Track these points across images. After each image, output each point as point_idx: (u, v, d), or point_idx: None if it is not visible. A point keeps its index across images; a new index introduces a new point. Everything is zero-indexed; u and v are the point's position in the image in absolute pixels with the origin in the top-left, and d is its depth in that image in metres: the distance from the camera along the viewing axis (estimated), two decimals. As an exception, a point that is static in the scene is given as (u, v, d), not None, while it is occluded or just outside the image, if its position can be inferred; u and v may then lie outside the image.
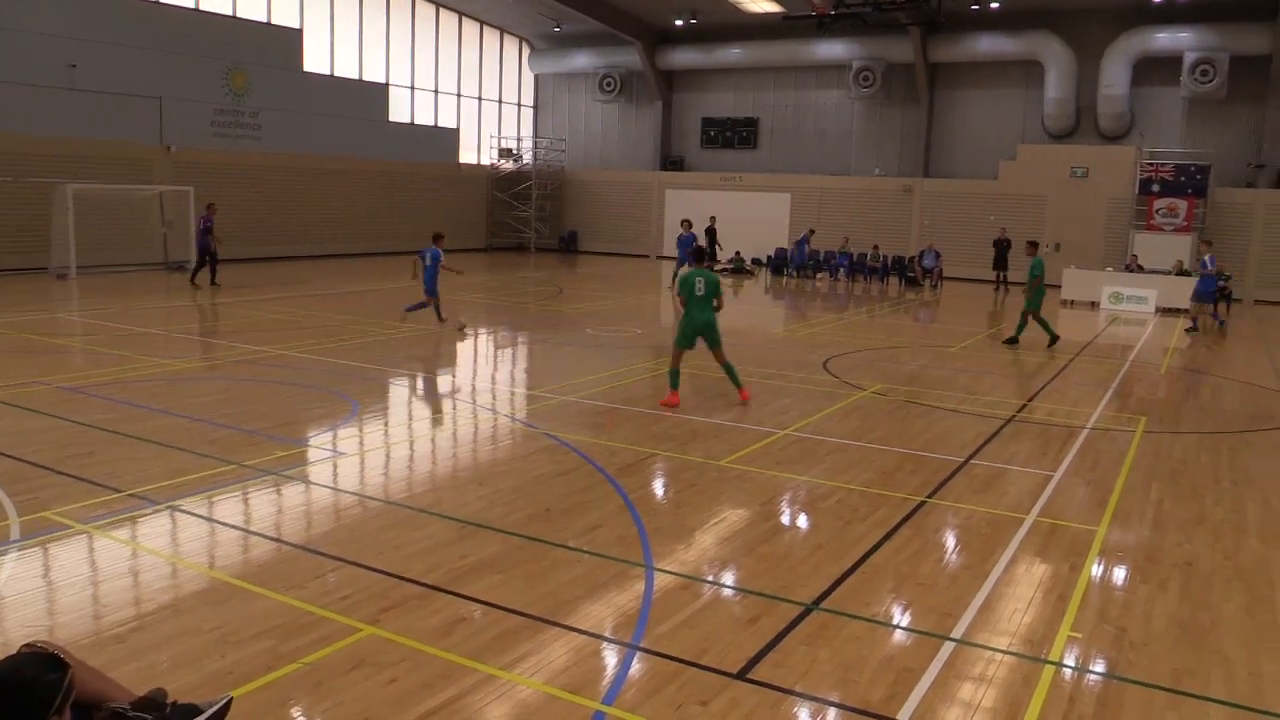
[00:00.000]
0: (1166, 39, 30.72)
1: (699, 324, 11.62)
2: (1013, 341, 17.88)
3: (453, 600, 5.86)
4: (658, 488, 8.50)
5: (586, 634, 5.49)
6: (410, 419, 11.09)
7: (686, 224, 27.14)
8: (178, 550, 6.58)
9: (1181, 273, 26.78)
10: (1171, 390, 14.52)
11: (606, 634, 5.51)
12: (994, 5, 31.32)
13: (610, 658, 5.27)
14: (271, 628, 5.40)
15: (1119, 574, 6.84)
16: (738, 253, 34.48)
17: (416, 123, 37.49)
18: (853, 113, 36.61)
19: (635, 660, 5.22)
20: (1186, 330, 21.70)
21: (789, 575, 6.47)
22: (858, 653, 5.39)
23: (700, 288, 11.51)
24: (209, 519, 7.18)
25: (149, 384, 11.77)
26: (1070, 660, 5.46)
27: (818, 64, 36.39)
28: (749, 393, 12.05)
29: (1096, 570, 6.85)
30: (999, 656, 5.44)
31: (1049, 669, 5.32)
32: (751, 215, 36.76)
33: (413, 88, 37.58)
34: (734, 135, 38.78)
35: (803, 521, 7.68)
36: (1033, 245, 18.54)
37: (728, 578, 6.47)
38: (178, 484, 7.87)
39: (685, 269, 12.81)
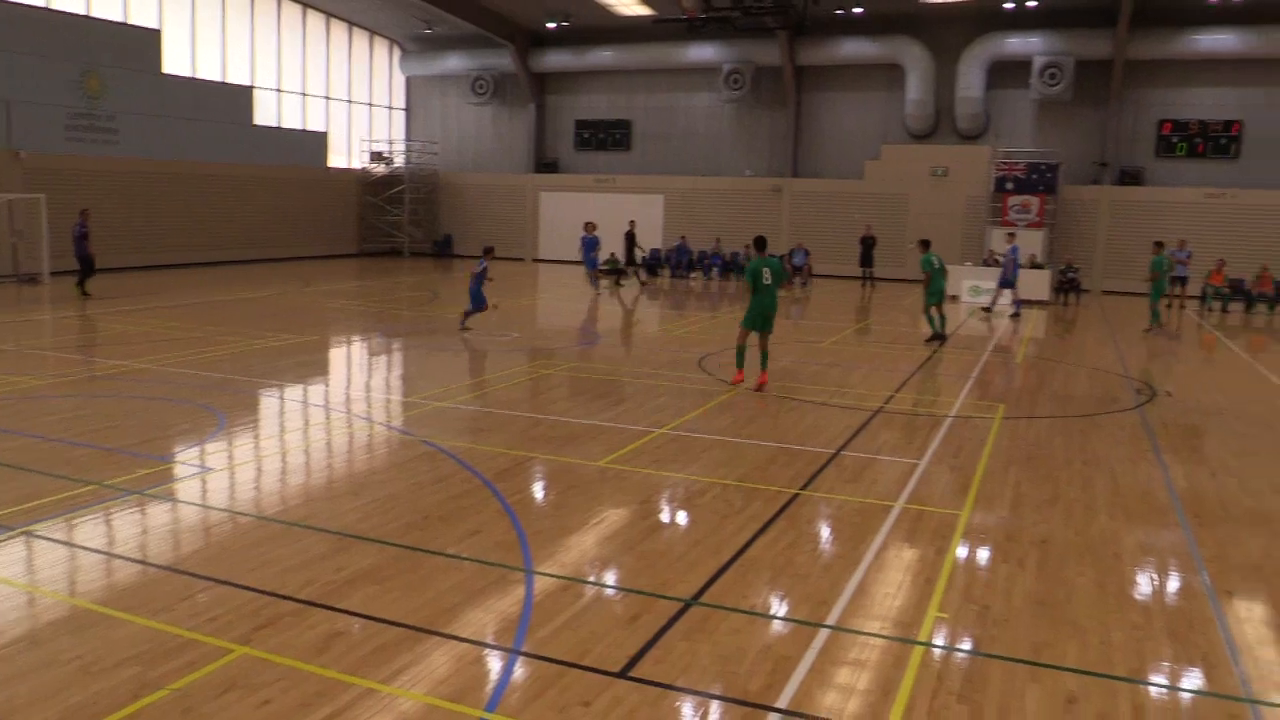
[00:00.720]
0: (1018, 44, 32.20)
1: (767, 307, 12.96)
2: (937, 339, 18.37)
3: (329, 615, 5.75)
4: (536, 491, 8.50)
5: (467, 641, 5.46)
6: (282, 430, 10.79)
7: (590, 226, 27.95)
8: (34, 578, 6.27)
9: (1034, 266, 28.13)
10: (1027, 378, 15.24)
11: (488, 640, 5.49)
12: (857, 10, 32.28)
13: (492, 664, 5.26)
14: (136, 654, 5.20)
15: (981, 555, 7.16)
16: (613, 254, 34.64)
17: (283, 126, 36.44)
18: (723, 114, 37.22)
19: (517, 665, 5.22)
20: (983, 309, 24.29)
21: (668, 572, 6.56)
22: (737, 644, 5.50)
23: (767, 276, 12.87)
24: (67, 543, 6.86)
25: (-3, 403, 11.16)
26: (938, 640, 5.69)
27: (689, 67, 36.86)
28: (767, 377, 13.15)
29: (961, 552, 7.16)
30: (872, 640, 5.64)
31: (918, 649, 5.54)
32: (625, 217, 36.95)
33: (279, 90, 36.52)
34: (607, 137, 38.96)
35: (680, 518, 7.80)
36: (924, 244, 19.07)
37: (608, 577, 6.53)
38: (32, 508, 7.48)
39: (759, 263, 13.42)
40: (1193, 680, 5.33)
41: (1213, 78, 31.50)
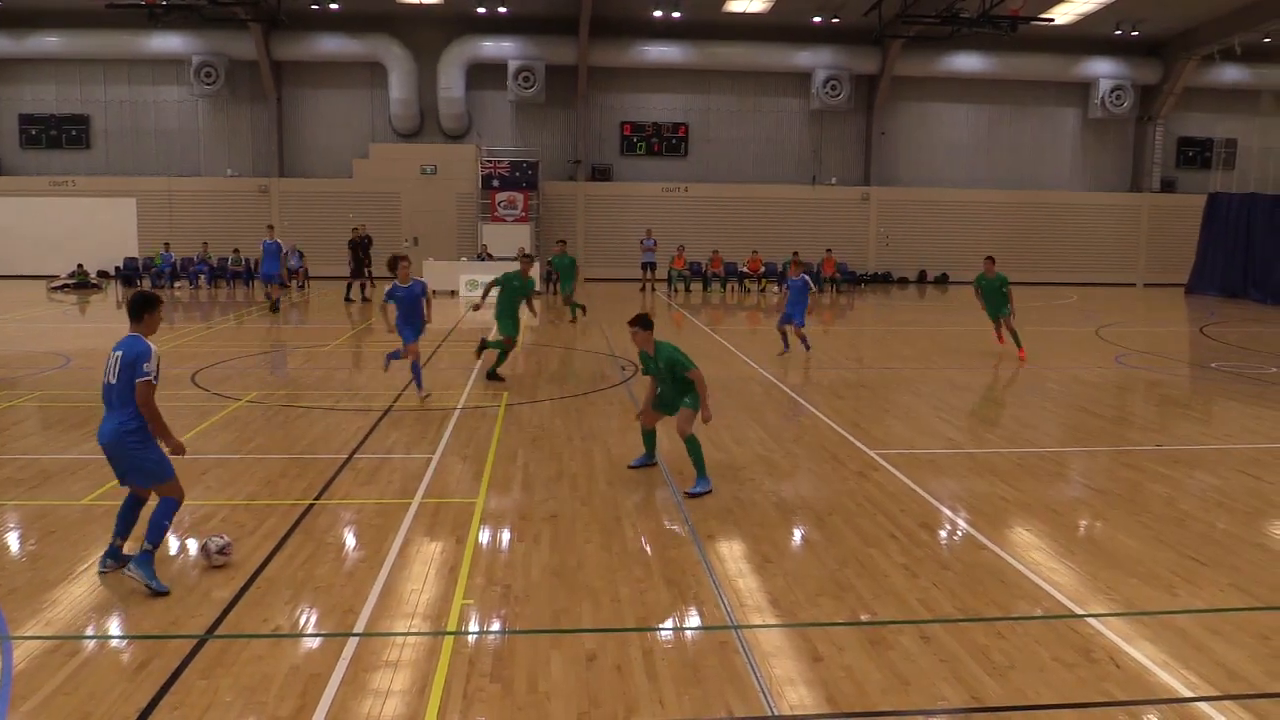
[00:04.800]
0: (493, 47, 33.71)
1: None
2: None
3: None
4: (7, 543, 7.37)
5: (-72, 732, 4.61)
6: None
7: (271, 229, 25.60)
8: None
9: (524, 257, 29.67)
10: (528, 364, 16.11)
11: (-44, 725, 4.68)
12: (334, 6, 31.70)
13: (-36, 752, 4.49)
14: None
15: (500, 537, 7.48)
16: (80, 265, 30.91)
17: None
18: (198, 110, 34.62)
19: (-2, 746, 4.52)
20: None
21: (177, 608, 6.05)
22: (262, 672, 5.23)
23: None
24: None
25: None
26: (467, 626, 5.86)
27: (153, 58, 33.67)
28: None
29: (481, 538, 7.42)
30: (403, 639, 5.66)
31: (449, 639, 5.66)
32: (91, 223, 33.17)
33: None
34: (61, 134, 34.33)
35: (187, 548, 7.21)
36: (527, 258, 15.82)
37: (108, 627, 5.86)
38: None
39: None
40: (690, 619, 6.04)
41: (663, 84, 35.48)
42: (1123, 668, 5.38)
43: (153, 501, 6.63)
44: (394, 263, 12.87)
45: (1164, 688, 5.16)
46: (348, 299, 26.75)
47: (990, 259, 17.65)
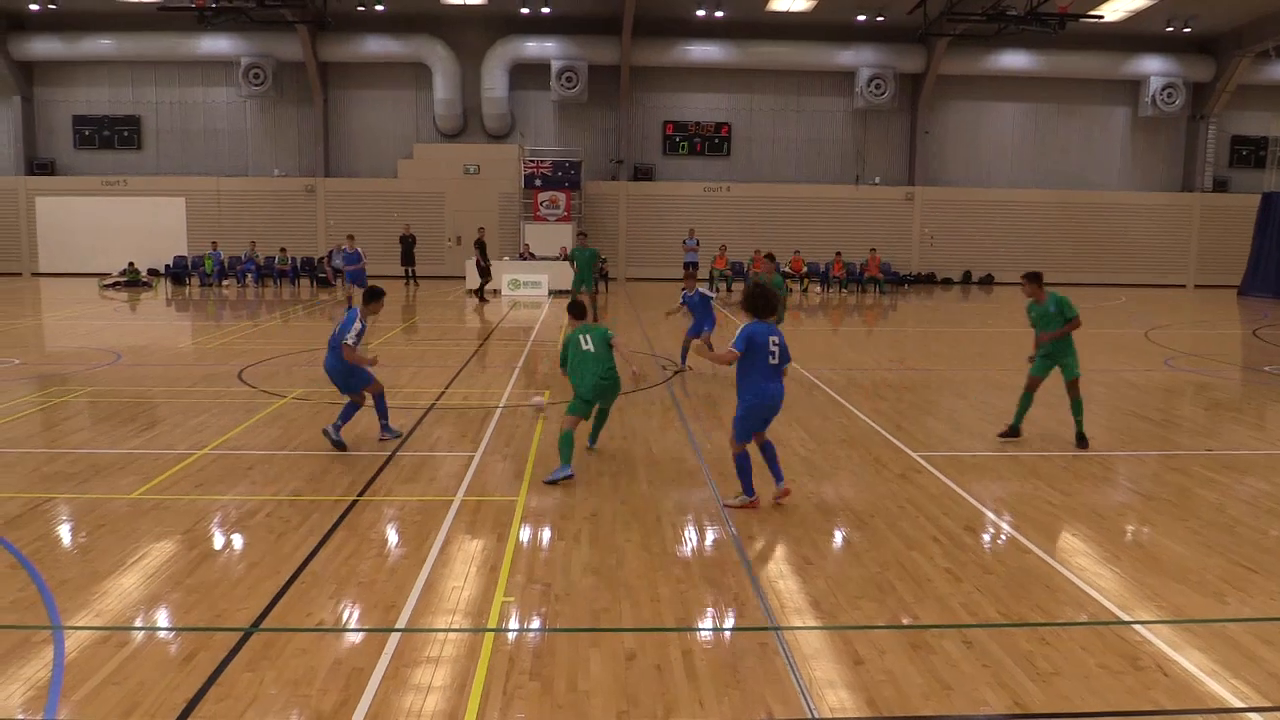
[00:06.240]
0: (535, 47, 33.87)
1: (588, 384, 9.47)
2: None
3: None
4: (60, 536, 7.52)
5: (-17, 720, 4.73)
6: None
7: (351, 239, 25.78)
8: None
9: (568, 258, 29.81)
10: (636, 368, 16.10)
11: (17, 716, 4.79)
12: (379, 8, 32.02)
13: (18, 739, 4.60)
14: None
15: (540, 536, 7.51)
16: (131, 264, 31.50)
17: None
18: (246, 111, 35.17)
19: (50, 734, 4.62)
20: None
21: (223, 602, 6.15)
22: (306, 665, 5.30)
23: (587, 343, 9.27)
24: None
25: None
26: (507, 624, 5.90)
27: (203, 59, 34.30)
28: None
29: (522, 536, 7.46)
30: (444, 635, 5.70)
31: (489, 636, 5.70)
32: (142, 222, 33.78)
33: None
34: (114, 135, 35.05)
35: (233, 543, 7.32)
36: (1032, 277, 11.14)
37: (156, 618, 5.96)
38: None
39: None
40: (729, 619, 6.03)
41: (705, 84, 35.43)
42: (1171, 676, 5.29)
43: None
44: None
45: (1213, 697, 5.07)
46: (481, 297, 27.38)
47: (1034, 279, 10.70)
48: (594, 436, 10.11)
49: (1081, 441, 10.58)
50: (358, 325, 9.80)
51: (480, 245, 27.73)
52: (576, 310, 9.90)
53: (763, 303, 8.01)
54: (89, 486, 8.70)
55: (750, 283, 7.76)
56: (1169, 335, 21.29)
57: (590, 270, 21.56)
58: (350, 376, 10.05)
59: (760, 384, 7.93)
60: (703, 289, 15.09)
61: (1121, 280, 35.63)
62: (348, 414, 10.12)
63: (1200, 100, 35.87)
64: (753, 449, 8.27)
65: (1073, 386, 10.61)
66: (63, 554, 7.10)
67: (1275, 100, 35.83)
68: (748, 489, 8.20)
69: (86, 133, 35.08)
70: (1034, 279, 10.68)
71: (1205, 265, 36.34)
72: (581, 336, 9.31)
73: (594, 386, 9.14)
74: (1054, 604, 6.26)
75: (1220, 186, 36.53)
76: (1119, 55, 34.72)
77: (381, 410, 10.45)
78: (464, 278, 29.98)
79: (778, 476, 8.31)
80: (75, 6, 32.07)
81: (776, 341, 7.91)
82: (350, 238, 25.74)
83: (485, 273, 27.30)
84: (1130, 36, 33.89)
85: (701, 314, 14.72)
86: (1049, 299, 10.52)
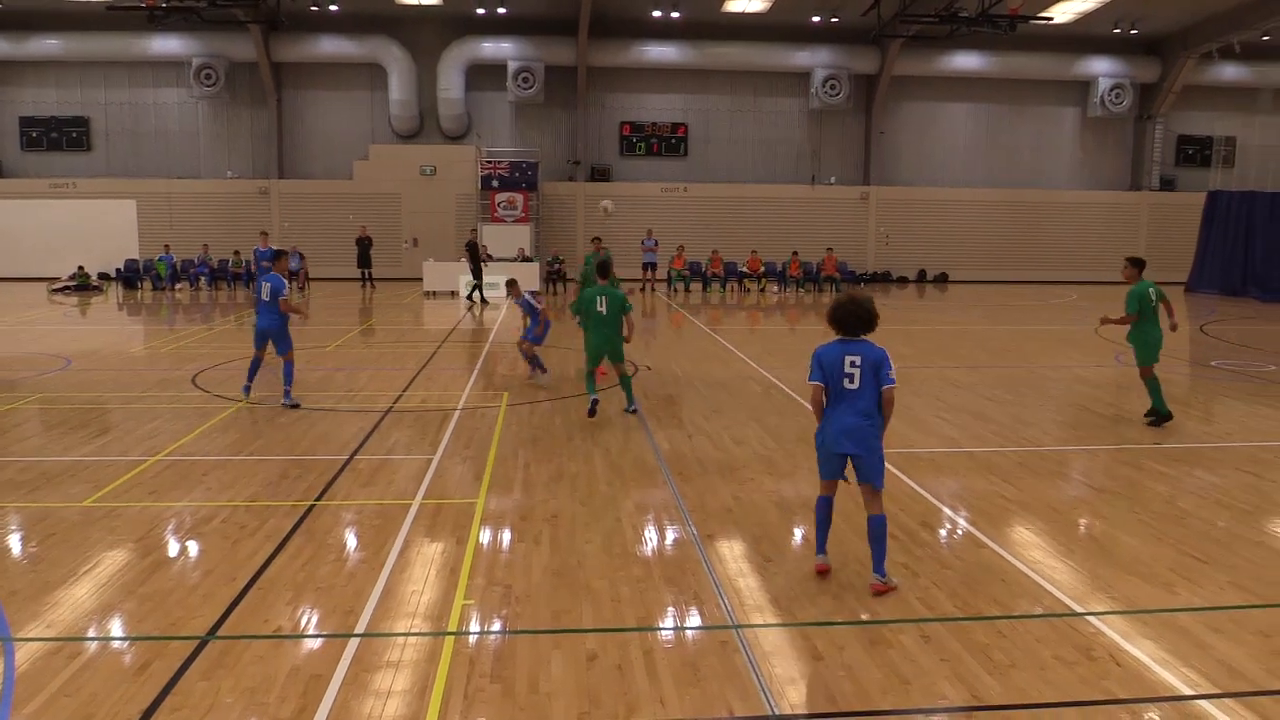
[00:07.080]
0: (492, 48, 33.75)
1: (600, 344, 11.50)
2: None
3: None
4: (9, 546, 7.37)
5: (-70, 734, 4.62)
6: None
7: (264, 236, 26.64)
8: None
9: (525, 259, 29.82)
10: (526, 366, 16.08)
11: (-42, 728, 4.69)
12: (333, 8, 31.72)
13: (-34, 753, 4.50)
14: None
15: (500, 538, 7.48)
16: (80, 267, 30.93)
17: None
18: (198, 112, 34.68)
19: (0, 748, 4.52)
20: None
21: (178, 610, 6.06)
22: (263, 673, 5.24)
23: (602, 305, 11.29)
24: None
25: None
26: (468, 627, 5.87)
27: (153, 60, 33.79)
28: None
29: (482, 538, 7.43)
30: (404, 639, 5.66)
31: (449, 639, 5.67)
32: (92, 225, 33.18)
33: None
34: (62, 136, 34.40)
35: (187, 550, 7.22)
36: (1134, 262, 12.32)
37: (109, 628, 5.87)
38: None
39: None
40: (690, 618, 6.04)
41: (662, 85, 35.50)
42: (1123, 666, 5.39)
43: None
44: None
45: (1165, 686, 5.17)
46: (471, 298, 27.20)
47: (1133, 263, 11.84)
48: (629, 399, 11.91)
49: (1153, 418, 11.65)
50: (287, 281, 12.06)
51: (471, 248, 27.52)
52: (603, 270, 11.50)
53: (852, 318, 6.38)
54: (39, 495, 8.53)
55: (841, 295, 6.55)
56: (1118, 331, 21.64)
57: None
58: (284, 336, 11.96)
59: (828, 414, 6.49)
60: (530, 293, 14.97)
61: (1072, 277, 36.21)
62: (289, 374, 11.97)
63: (1147, 101, 36.57)
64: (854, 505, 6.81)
65: (1140, 375, 11.90)
66: (12, 564, 6.96)
67: (1220, 100, 36.61)
68: (817, 544, 6.76)
69: (34, 134, 34.40)
70: (1133, 264, 11.96)
71: (1153, 262, 36.32)
72: (600, 297, 11.06)
73: (595, 347, 11.25)
74: (1009, 597, 6.36)
75: (1167, 185, 37.25)
76: (1068, 56, 35.30)
77: (288, 374, 12.10)
78: (421, 279, 29.80)
79: (874, 564, 6.48)
80: (21, 5, 31.45)
81: (856, 362, 6.29)
82: (264, 234, 26.23)
83: (477, 275, 27.08)
84: (1079, 38, 34.46)
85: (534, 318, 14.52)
86: (1136, 286, 11.75)
